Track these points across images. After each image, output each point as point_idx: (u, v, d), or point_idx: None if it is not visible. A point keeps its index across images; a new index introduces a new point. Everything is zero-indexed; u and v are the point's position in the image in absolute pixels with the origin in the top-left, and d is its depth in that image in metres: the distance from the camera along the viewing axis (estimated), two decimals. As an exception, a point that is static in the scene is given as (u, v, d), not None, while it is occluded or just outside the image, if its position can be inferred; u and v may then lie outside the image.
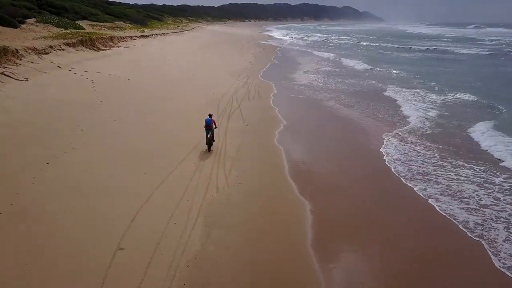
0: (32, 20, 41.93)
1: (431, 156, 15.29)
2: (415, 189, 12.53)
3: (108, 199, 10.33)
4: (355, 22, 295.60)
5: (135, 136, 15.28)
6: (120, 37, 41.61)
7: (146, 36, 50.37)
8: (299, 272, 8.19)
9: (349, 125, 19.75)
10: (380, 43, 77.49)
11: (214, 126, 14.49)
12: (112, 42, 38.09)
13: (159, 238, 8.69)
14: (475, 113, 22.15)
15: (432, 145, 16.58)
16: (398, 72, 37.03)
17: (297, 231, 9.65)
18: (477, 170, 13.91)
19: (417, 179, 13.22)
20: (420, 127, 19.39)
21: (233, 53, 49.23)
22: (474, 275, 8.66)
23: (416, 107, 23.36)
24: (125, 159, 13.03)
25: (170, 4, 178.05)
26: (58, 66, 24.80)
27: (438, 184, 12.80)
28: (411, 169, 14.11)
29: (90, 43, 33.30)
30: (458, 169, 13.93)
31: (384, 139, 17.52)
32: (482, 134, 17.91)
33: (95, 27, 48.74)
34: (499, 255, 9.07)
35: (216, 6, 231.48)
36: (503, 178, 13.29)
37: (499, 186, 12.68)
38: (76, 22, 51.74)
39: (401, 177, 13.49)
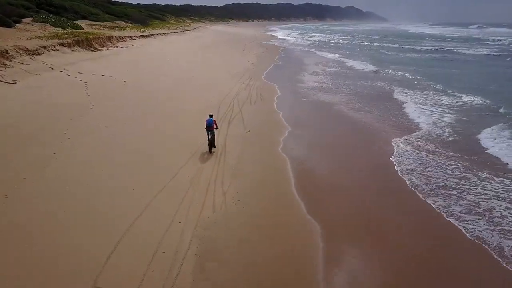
0: (29, 20, 40.81)
1: (453, 166, 13.88)
2: (434, 205, 11.19)
3: (84, 228, 8.90)
4: (359, 22, 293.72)
5: (127, 147, 13.96)
6: (119, 37, 40.40)
7: (146, 36, 49.15)
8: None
9: (357, 130, 18.41)
10: (384, 44, 75.98)
11: (215, 127, 14.01)
12: (110, 42, 36.88)
13: (143, 273, 7.39)
14: (493, 118, 20.68)
15: (451, 153, 15.20)
16: (405, 73, 35.57)
17: (307, 266, 8.28)
18: (508, 183, 12.49)
19: (437, 194, 11.87)
20: (435, 132, 18.04)
21: (235, 54, 47.92)
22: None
23: (427, 111, 21.97)
24: (111, 174, 11.69)
25: (173, 4, 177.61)
26: (51, 68, 23.58)
27: (463, 200, 11.43)
28: (430, 181, 12.75)
29: (86, 43, 32.10)
30: (486, 182, 12.52)
31: (395, 146, 16.20)
32: (508, 143, 16.43)
33: (94, 26, 47.58)
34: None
35: (219, 6, 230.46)
36: (538, 194, 11.92)
37: (535, 204, 11.31)
38: (75, 21, 50.68)
39: (418, 191, 12.14)
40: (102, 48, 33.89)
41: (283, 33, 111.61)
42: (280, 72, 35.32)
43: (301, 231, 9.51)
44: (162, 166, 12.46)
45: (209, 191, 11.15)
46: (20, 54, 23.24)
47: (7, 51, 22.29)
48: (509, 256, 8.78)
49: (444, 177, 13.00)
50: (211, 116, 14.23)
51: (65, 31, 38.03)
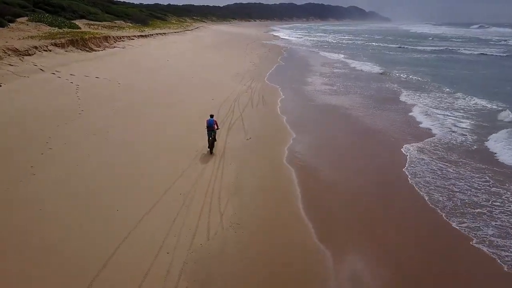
0: (24, 19, 39.63)
1: (480, 179, 12.44)
2: (460, 227, 9.79)
3: (58, 259, 7.58)
4: (361, 22, 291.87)
5: (114, 159, 12.59)
6: (117, 37, 39.12)
7: (145, 36, 47.85)
8: None
9: (366, 137, 17.00)
10: (388, 44, 74.32)
11: (216, 127, 13.71)
12: (107, 42, 35.60)
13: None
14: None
15: (476, 163, 13.77)
16: (413, 75, 34.02)
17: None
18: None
19: (463, 213, 10.45)
20: (451, 139, 16.65)
21: (237, 54, 46.53)
22: None
23: (440, 115, 20.53)
24: (91, 193, 10.26)
25: (175, 4, 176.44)
26: (41, 69, 22.30)
27: (495, 221, 10.00)
28: (453, 197, 11.34)
29: (81, 43, 30.82)
30: (521, 199, 11.11)
31: (407, 154, 14.83)
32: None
33: (92, 26, 46.35)
34: None
35: (221, 6, 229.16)
36: None
37: None
38: (73, 21, 49.48)
39: (440, 209, 10.74)
40: (98, 49, 32.61)
41: (286, 33, 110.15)
42: (283, 73, 33.92)
43: (309, 259, 8.13)
44: (152, 181, 11.10)
45: (204, 210, 9.78)
46: (8, 55, 21.97)
47: (-6, 52, 21.04)
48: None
49: (469, 192, 11.58)
50: (211, 116, 13.98)
51: (61, 30, 36.78)
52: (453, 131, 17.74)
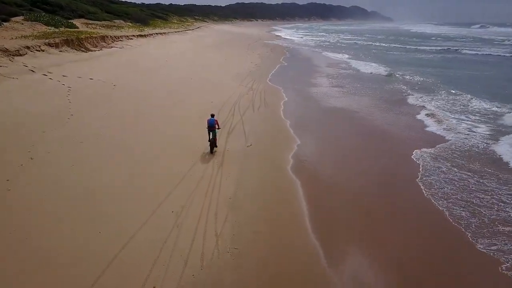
0: (20, 18, 38.59)
1: (508, 191, 11.24)
2: (489, 251, 8.63)
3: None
4: (363, 22, 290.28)
5: (101, 171, 11.44)
6: (115, 37, 38.04)
7: (145, 36, 46.77)
8: None
9: (375, 143, 15.83)
10: (392, 44, 72.91)
11: (217, 127, 13.49)
12: (105, 42, 34.53)
13: None
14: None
15: (502, 173, 12.58)
16: (420, 76, 32.74)
17: None
18: None
19: (493, 232, 9.28)
20: (469, 145, 15.51)
21: (238, 54, 45.37)
22: None
23: (453, 119, 19.34)
24: (68, 216, 9.02)
25: (177, 3, 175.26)
26: (31, 70, 21.21)
27: (535, 245, 8.84)
28: (478, 213, 10.19)
29: (77, 43, 29.75)
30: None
31: (420, 162, 13.70)
32: None
33: (90, 25, 45.29)
34: None
35: (223, 5, 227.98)
36: None
37: None
38: (71, 20, 48.47)
39: (464, 227, 9.59)
40: (95, 49, 31.53)
41: (288, 33, 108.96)
42: (286, 74, 32.75)
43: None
44: (142, 197, 9.96)
45: (199, 231, 8.65)
46: (-2, 55, 20.90)
47: (-19, 52, 19.97)
48: None
49: (497, 207, 10.40)
50: (212, 115, 13.80)
51: (57, 30, 35.71)
52: (469, 136, 16.57)
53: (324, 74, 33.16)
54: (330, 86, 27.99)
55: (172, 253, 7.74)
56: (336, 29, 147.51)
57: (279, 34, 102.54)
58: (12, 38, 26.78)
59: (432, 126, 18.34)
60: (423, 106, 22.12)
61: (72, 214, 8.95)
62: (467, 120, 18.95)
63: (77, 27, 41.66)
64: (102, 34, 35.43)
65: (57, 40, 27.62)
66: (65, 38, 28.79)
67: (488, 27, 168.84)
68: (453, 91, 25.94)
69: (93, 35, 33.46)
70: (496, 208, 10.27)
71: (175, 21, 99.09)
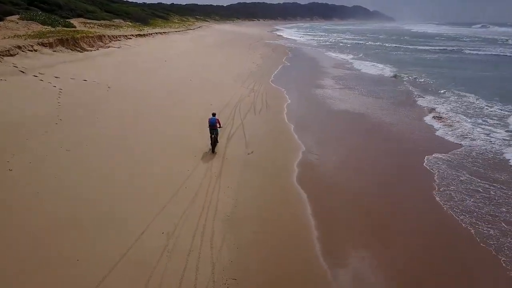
0: (15, 17, 37.59)
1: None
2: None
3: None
4: (365, 22, 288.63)
5: (88, 183, 10.35)
6: (112, 36, 36.97)
7: (144, 35, 45.65)
8: None
9: (386, 150, 14.75)
10: (395, 44, 71.55)
11: (218, 126, 13.27)
12: (102, 42, 33.47)
13: None
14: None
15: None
16: (427, 77, 31.51)
17: None
18: None
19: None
20: (488, 151, 14.51)
21: (240, 54, 44.24)
22: None
23: (467, 123, 18.22)
24: (47, 241, 7.90)
25: (179, 3, 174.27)
26: (21, 71, 20.13)
27: None
28: (510, 231, 9.10)
29: (72, 42, 28.68)
30: None
31: (435, 171, 12.62)
32: None
33: (88, 25, 44.28)
34: None
35: (225, 5, 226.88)
36: None
37: None
38: (69, 20, 47.47)
39: (494, 249, 8.51)
40: (91, 48, 30.46)
41: (290, 33, 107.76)
42: (289, 75, 31.62)
43: None
44: (129, 216, 8.86)
45: (191, 257, 7.56)
46: (-15, 56, 19.83)
47: (-32, 52, 18.90)
48: None
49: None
50: (214, 114, 13.53)
51: (53, 29, 34.67)
52: (487, 142, 15.50)
53: (328, 75, 32.03)
54: (335, 87, 26.87)
55: (160, 285, 6.64)
56: (339, 29, 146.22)
57: (281, 34, 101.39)
58: (5, 38, 25.72)
59: (443, 130, 17.31)
60: (433, 109, 21.07)
61: (50, 239, 7.86)
62: (483, 124, 17.84)
63: (75, 26, 40.65)
64: (99, 34, 34.34)
65: (51, 39, 26.55)
66: (60, 38, 27.71)
67: (489, 26, 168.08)
68: (463, 93, 24.76)
69: (90, 35, 32.38)
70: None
71: (176, 21, 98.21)
